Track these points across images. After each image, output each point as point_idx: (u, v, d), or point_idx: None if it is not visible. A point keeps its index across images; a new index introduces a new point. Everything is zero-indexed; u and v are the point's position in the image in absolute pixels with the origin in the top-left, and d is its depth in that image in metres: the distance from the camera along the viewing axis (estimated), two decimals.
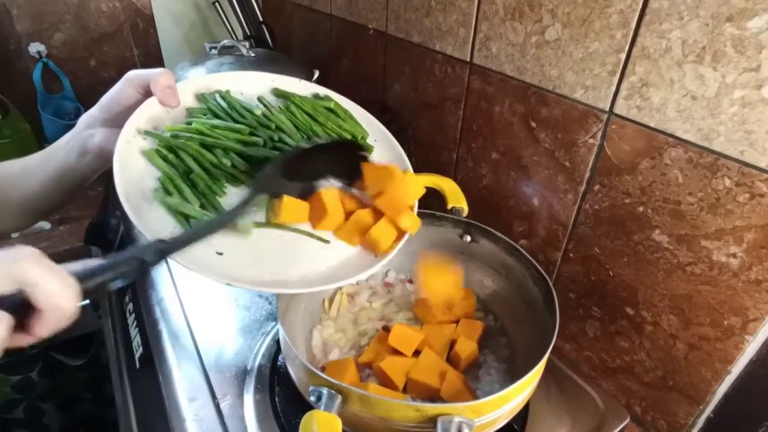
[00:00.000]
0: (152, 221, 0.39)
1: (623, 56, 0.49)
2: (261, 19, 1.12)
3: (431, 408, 0.35)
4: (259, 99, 0.54)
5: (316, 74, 0.87)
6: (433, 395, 0.47)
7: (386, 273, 0.65)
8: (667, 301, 0.51)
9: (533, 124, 0.61)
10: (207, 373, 0.53)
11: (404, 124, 0.87)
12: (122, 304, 0.68)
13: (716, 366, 0.48)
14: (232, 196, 0.45)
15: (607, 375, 0.60)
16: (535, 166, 0.63)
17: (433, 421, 0.35)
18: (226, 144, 0.46)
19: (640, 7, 0.46)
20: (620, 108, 0.50)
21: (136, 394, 0.55)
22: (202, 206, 0.42)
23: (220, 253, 0.40)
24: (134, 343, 0.59)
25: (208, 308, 0.63)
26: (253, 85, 0.55)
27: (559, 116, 0.57)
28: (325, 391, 0.35)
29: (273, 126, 0.50)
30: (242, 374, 0.53)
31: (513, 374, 0.52)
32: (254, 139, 0.48)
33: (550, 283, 0.49)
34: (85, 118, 0.48)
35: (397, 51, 0.84)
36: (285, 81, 0.57)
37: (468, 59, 0.69)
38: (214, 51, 0.81)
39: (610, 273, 0.56)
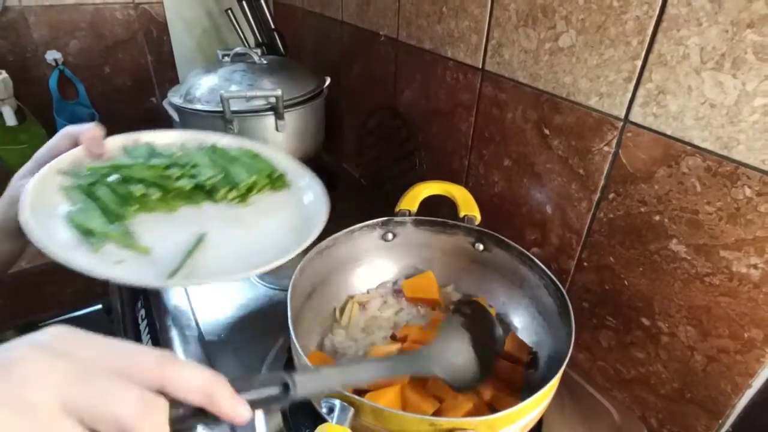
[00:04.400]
0: (56, 242, 0.41)
1: (639, 63, 0.48)
2: (273, 26, 1.13)
3: (446, 422, 0.34)
4: (182, 146, 0.60)
5: (327, 81, 0.87)
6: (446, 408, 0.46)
7: (396, 281, 0.65)
8: (684, 311, 0.50)
9: (546, 131, 0.60)
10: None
11: (415, 130, 0.86)
12: (134, 310, 0.68)
13: (736, 379, 0.47)
14: (142, 222, 0.49)
15: (621, 386, 0.59)
16: (548, 174, 0.62)
17: None
18: (140, 176, 0.51)
19: (656, 13, 0.45)
20: (636, 115, 0.50)
21: None
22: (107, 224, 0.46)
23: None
24: None
25: (219, 315, 0.63)
26: (183, 139, 0.61)
27: (573, 123, 0.57)
28: (337, 403, 0.34)
29: (190, 164, 0.56)
30: None
31: (527, 384, 0.51)
32: (169, 172, 0.53)
33: (565, 294, 0.48)
34: (21, 171, 0.50)
35: (408, 57, 0.84)
36: (214, 137, 0.64)
37: (480, 66, 0.68)
38: (226, 58, 0.82)
39: (625, 282, 0.55)
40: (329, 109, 0.98)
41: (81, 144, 0.49)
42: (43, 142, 1.30)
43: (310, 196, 0.59)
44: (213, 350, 0.58)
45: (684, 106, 0.45)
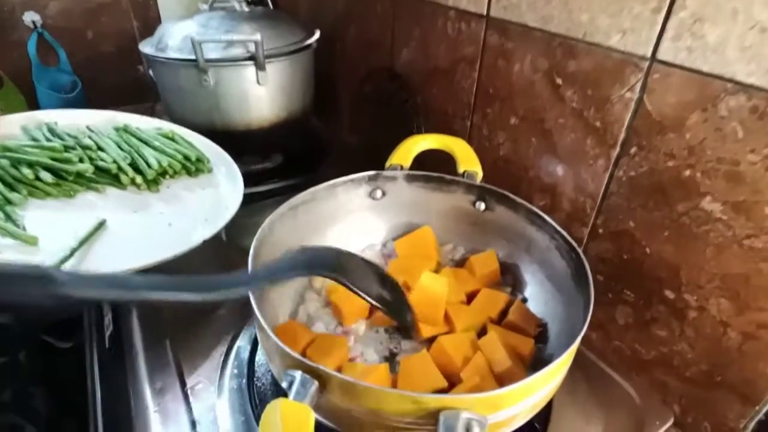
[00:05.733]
0: None
1: None
2: None
3: (432, 400, 0.28)
4: (88, 127, 0.57)
5: (317, 34, 0.80)
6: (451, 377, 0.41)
7: (384, 244, 0.58)
8: (717, 282, 0.43)
9: (558, 81, 0.54)
10: (178, 354, 0.47)
11: (413, 92, 0.79)
12: None
13: None
14: (35, 209, 0.47)
15: (639, 369, 0.52)
16: (560, 130, 0.55)
17: (434, 416, 0.28)
18: (31, 159, 0.47)
19: None
20: (665, 52, 0.43)
21: (104, 375, 0.49)
22: None
23: None
24: (105, 320, 0.53)
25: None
26: (93, 120, 0.59)
27: (589, 69, 0.50)
28: (297, 375, 0.28)
29: (94, 146, 0.53)
30: (218, 357, 0.47)
31: (535, 362, 0.44)
32: (67, 155, 0.50)
33: (581, 254, 0.41)
34: None
35: (406, 12, 0.77)
36: (128, 117, 0.61)
37: (484, 12, 0.61)
38: (205, 6, 0.75)
39: (647, 250, 0.49)
40: (323, 74, 0.91)
41: None
42: (22, 110, 1.23)
43: (227, 183, 0.57)
44: (177, 318, 0.52)
45: (726, 34, 0.38)
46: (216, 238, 0.53)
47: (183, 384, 0.45)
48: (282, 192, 0.76)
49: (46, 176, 0.48)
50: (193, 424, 0.41)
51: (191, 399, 0.43)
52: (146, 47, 0.70)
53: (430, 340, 0.45)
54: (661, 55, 0.43)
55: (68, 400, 1.02)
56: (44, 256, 0.42)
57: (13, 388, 0.95)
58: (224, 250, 0.61)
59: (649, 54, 0.44)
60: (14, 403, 0.97)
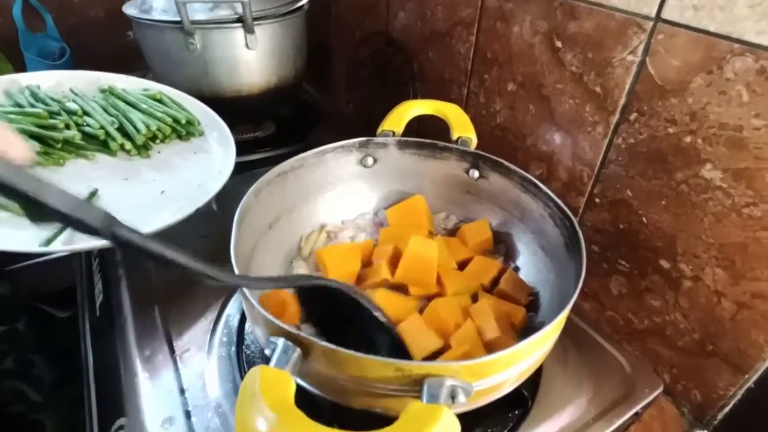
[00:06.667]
0: None
1: None
2: None
3: (417, 367, 0.27)
4: (71, 90, 0.55)
5: None
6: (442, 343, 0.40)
7: (376, 213, 0.57)
8: (714, 251, 0.43)
9: (558, 44, 0.51)
10: (167, 322, 0.47)
11: (409, 58, 0.77)
12: (89, 252, 0.61)
13: None
14: None
15: (632, 338, 0.52)
16: (558, 96, 0.53)
17: (419, 383, 0.28)
18: (17, 127, 0.46)
19: None
20: (671, 11, 0.41)
21: (96, 344, 0.49)
22: None
23: None
24: (96, 289, 0.53)
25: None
26: (76, 83, 0.57)
27: (590, 31, 0.48)
28: (279, 342, 0.28)
29: (80, 111, 0.51)
30: (208, 324, 0.47)
31: (526, 330, 0.44)
32: (53, 122, 0.48)
33: (575, 222, 0.40)
34: None
35: None
36: (112, 78, 0.60)
37: None
38: None
39: (644, 220, 0.48)
40: (317, 39, 0.89)
41: None
42: None
43: (219, 147, 0.55)
44: (165, 286, 0.52)
45: None
46: (207, 207, 0.52)
47: (172, 351, 0.44)
48: (275, 161, 0.74)
49: (33, 145, 0.47)
50: (182, 390, 0.41)
51: (180, 366, 0.43)
52: (130, 9, 0.67)
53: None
54: (666, 14, 0.41)
55: (68, 368, 1.03)
56: (37, 229, 0.40)
57: (14, 356, 0.97)
58: (215, 221, 0.60)
59: (653, 13, 0.42)
60: (16, 370, 0.99)
